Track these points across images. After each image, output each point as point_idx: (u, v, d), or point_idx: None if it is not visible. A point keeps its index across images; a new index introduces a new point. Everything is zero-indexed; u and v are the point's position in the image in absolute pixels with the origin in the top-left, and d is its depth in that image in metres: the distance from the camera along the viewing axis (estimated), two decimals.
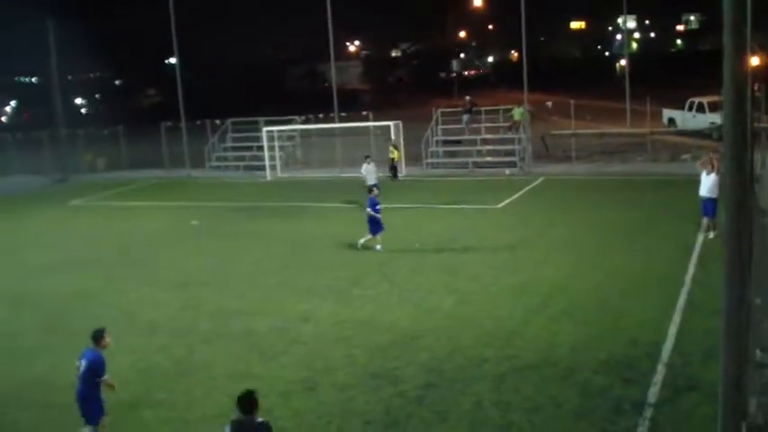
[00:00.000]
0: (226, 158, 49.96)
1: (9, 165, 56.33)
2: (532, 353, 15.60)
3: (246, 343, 17.24)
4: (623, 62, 69.16)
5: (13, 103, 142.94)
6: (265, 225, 31.09)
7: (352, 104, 63.28)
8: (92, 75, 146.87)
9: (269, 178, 43.72)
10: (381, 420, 12.98)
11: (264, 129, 45.58)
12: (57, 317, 20.44)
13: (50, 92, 59.31)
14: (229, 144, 50.92)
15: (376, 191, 25.69)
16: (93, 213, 37.94)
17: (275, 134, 45.46)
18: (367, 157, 34.50)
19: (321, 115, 49.85)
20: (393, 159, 40.28)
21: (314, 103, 57.95)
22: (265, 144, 45.01)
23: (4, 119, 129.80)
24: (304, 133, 47.97)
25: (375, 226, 24.80)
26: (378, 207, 24.83)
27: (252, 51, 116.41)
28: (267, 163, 44.51)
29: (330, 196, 35.74)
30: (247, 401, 9.49)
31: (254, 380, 15.00)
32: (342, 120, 47.10)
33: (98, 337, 12.24)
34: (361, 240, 25.07)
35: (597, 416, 12.75)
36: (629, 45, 59.29)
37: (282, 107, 54.71)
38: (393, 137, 41.24)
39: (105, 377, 12.12)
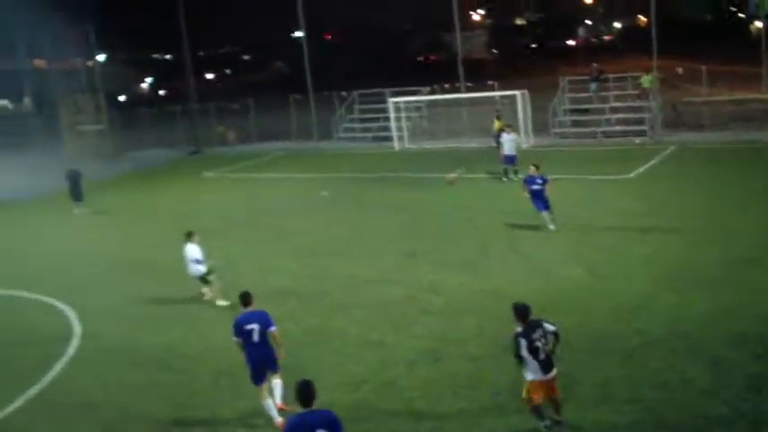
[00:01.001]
0: (353, 130, 50.46)
1: (145, 138, 58.58)
2: (661, 326, 15.39)
3: (379, 312, 17.57)
4: (759, 24, 66.38)
5: (149, 79, 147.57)
6: (394, 195, 31.38)
7: (478, 73, 62.80)
8: (221, 50, 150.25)
9: (397, 149, 44.01)
10: (509, 391, 13.04)
11: (391, 100, 45.84)
12: (189, 287, 21.13)
13: (183, 68, 61.18)
14: (356, 116, 51.36)
15: (532, 168, 23.74)
16: (225, 185, 39.10)
17: (401, 105, 45.67)
18: (508, 126, 34.07)
19: (447, 85, 49.73)
20: (498, 130, 39.77)
21: (440, 72, 57.84)
22: (392, 115, 45.30)
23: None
24: (431, 103, 47.97)
25: (537, 203, 23.42)
26: (533, 187, 23.27)
27: (377, 22, 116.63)
28: (395, 134, 44.82)
29: (457, 166, 35.73)
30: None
31: (384, 349, 15.39)
32: (468, 90, 46.91)
33: (249, 298, 13.36)
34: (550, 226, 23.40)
35: (729, 393, 12.49)
36: (765, 4, 56.61)
37: (408, 77, 54.85)
38: (498, 108, 40.90)
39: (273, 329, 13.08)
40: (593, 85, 44.33)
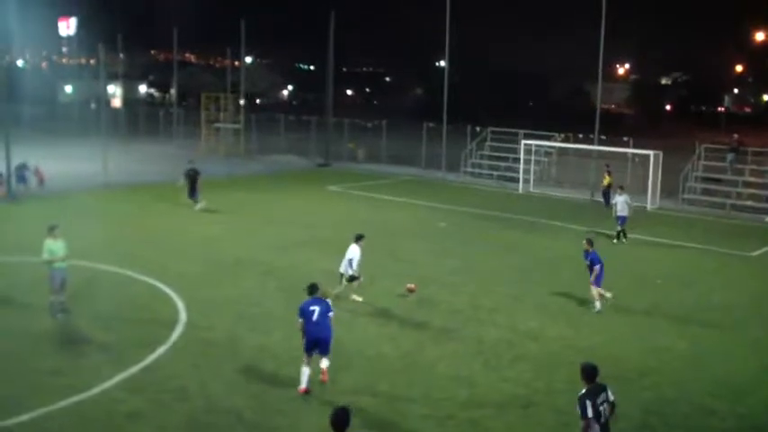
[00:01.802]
0: (480, 165, 50.60)
1: (279, 143, 60.24)
2: (765, 414, 14.97)
3: (473, 349, 17.66)
4: None
5: (290, 87, 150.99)
6: (510, 236, 31.40)
7: (614, 127, 62.17)
8: (364, 68, 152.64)
9: (521, 191, 43.95)
10: None
11: (523, 141, 45.88)
12: (296, 292, 21.60)
13: (324, 81, 62.59)
14: (486, 152, 51.49)
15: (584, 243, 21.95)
16: (348, 200, 39.81)
17: (533, 148, 45.64)
18: (621, 187, 32.91)
19: (581, 135, 49.41)
20: (607, 186, 39.28)
21: (576, 120, 57.51)
22: (521, 157, 45.32)
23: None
24: (561, 151, 47.75)
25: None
26: (596, 266, 21.27)
27: (522, 62, 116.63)
28: (521, 176, 44.80)
29: (577, 218, 35.49)
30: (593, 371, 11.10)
31: (474, 387, 15.45)
32: (601, 142, 46.48)
33: (316, 288, 15.68)
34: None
35: None
36: None
37: (544, 121, 54.76)
38: (608, 163, 40.59)
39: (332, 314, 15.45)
40: (730, 156, 43.23)
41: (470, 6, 57.61)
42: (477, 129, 52.37)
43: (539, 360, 17.24)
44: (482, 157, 51.43)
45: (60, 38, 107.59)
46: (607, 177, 39.56)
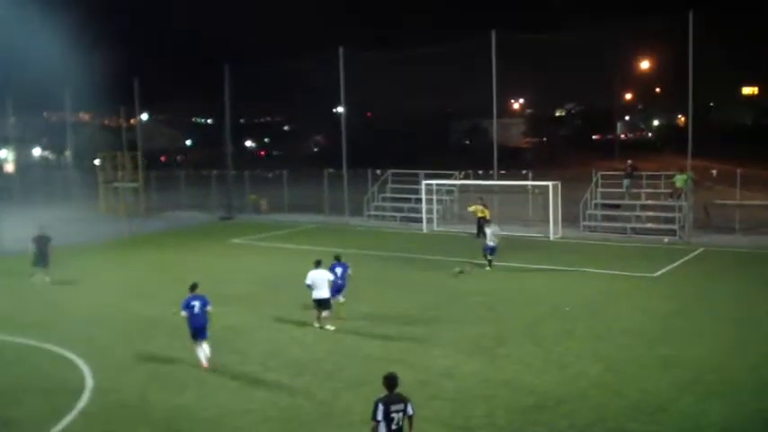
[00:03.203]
0: (384, 208, 50.72)
1: (180, 199, 59.43)
2: (677, 430, 15.13)
3: None
4: None
5: (188, 141, 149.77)
6: (416, 276, 31.40)
7: (512, 162, 63.23)
8: (262, 119, 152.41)
9: (425, 231, 44.11)
10: None
11: (424, 182, 46.18)
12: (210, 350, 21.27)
13: (222, 133, 62.19)
14: (389, 194, 51.67)
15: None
16: (252, 252, 39.31)
17: (434, 187, 45.96)
18: (488, 220, 35.32)
19: (481, 171, 50.02)
20: (481, 218, 40.19)
21: (476, 158, 58.23)
22: (423, 197, 45.58)
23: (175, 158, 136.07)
24: (463, 188, 48.20)
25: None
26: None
27: (417, 104, 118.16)
28: (424, 216, 45.02)
29: (478, 252, 35.67)
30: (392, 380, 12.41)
31: None
32: (501, 177, 47.11)
33: (196, 286, 20.41)
34: None
35: None
36: None
37: (443, 160, 55.32)
38: (482, 196, 41.96)
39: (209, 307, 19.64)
40: (626, 182, 44.31)
41: (366, 51, 57.99)
42: (378, 172, 52.58)
43: (455, 397, 17.12)
44: (385, 199, 51.57)
45: None
46: (481, 209, 40.44)
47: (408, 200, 49.31)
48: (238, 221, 52.89)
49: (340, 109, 53.29)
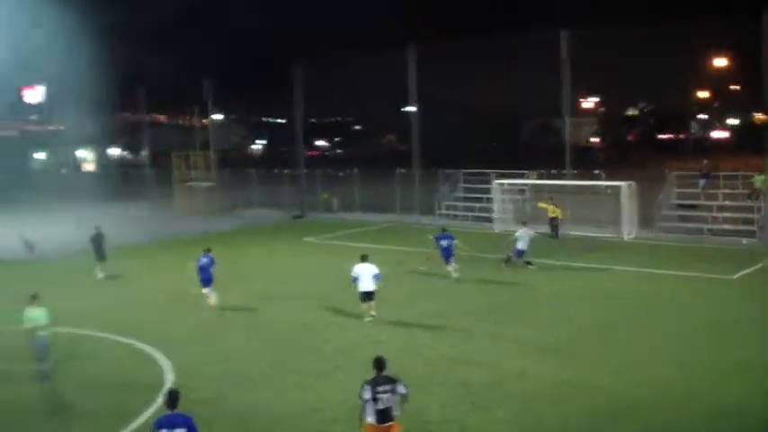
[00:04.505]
0: (455, 207, 50.65)
1: (253, 198, 60.23)
2: None
3: (462, 392, 17.47)
4: None
5: (260, 141, 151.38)
6: (489, 276, 31.29)
7: (584, 161, 62.55)
8: (333, 119, 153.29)
9: (496, 230, 43.91)
10: None
11: (495, 182, 46.03)
12: (281, 348, 21.68)
13: (294, 133, 62.79)
14: (460, 194, 51.62)
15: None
16: (324, 251, 39.63)
17: (506, 187, 45.77)
18: (523, 222, 34.75)
19: (553, 171, 49.63)
20: (553, 218, 40.66)
21: (546, 157, 57.81)
22: (495, 196, 45.43)
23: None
24: (535, 187, 47.86)
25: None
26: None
27: (489, 103, 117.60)
28: (496, 215, 44.87)
29: (550, 252, 35.42)
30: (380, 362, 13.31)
31: (466, 430, 15.24)
32: (574, 177, 46.68)
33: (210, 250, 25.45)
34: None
35: None
36: None
37: (515, 160, 55.02)
38: (552, 196, 42.23)
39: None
40: (702, 182, 43.53)
41: (436, 50, 57.99)
42: (450, 171, 52.56)
43: (529, 398, 17.04)
44: (457, 199, 51.54)
45: (30, 106, 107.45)
46: (553, 209, 40.59)
47: (480, 199, 49.18)
48: (310, 220, 53.39)
49: (411, 108, 53.34)
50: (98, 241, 33.83)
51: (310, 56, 66.71)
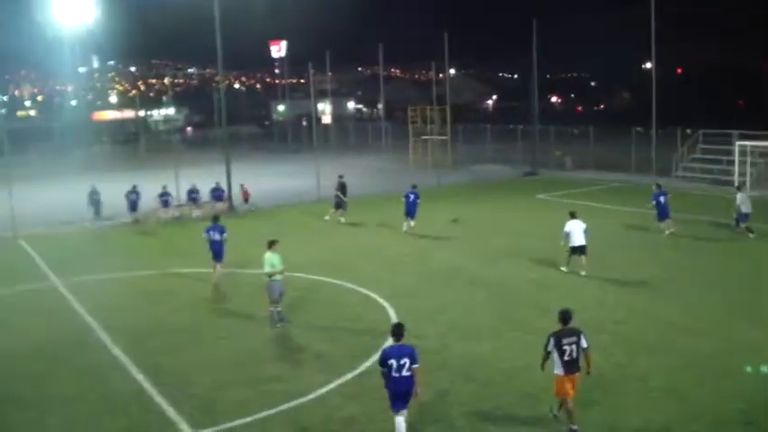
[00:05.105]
0: (693, 169, 48.82)
1: (486, 154, 60.67)
2: None
3: (688, 363, 17.08)
4: None
5: (494, 96, 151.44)
6: (728, 242, 30.00)
7: None
8: (569, 74, 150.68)
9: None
10: None
11: (737, 143, 43.87)
12: (507, 303, 21.98)
13: (529, 89, 62.38)
14: (698, 155, 49.66)
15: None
16: (556, 208, 39.23)
17: (748, 149, 43.48)
18: (737, 187, 33.52)
19: None
20: None
21: None
22: (737, 159, 43.33)
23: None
24: None
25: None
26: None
27: (731, 59, 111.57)
28: (737, 179, 42.77)
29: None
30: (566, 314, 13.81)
31: (688, 402, 14.96)
32: None
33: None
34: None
35: None
36: None
37: (760, 120, 52.20)
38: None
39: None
40: None
41: (675, 3, 55.77)
42: (689, 131, 50.62)
43: (759, 375, 16.38)
44: (695, 160, 49.62)
45: (272, 60, 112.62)
46: None
47: (720, 161, 47.09)
48: (542, 177, 53.09)
49: (648, 65, 51.62)
50: (342, 190, 36.64)
51: (549, 11, 65.67)
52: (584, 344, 13.71)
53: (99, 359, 18.60)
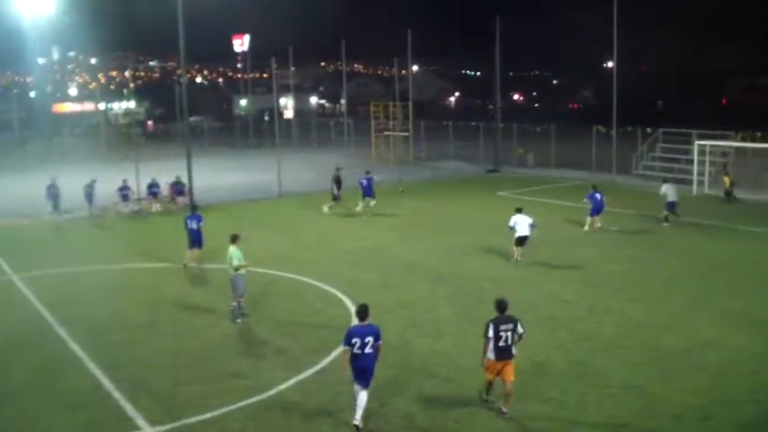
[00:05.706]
0: (652, 168, 49.21)
1: (448, 151, 60.78)
2: None
3: (648, 358, 17.21)
4: None
5: (457, 93, 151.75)
6: (682, 240, 30.36)
7: None
8: (531, 72, 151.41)
9: (694, 193, 42.37)
10: None
11: (696, 142, 44.30)
12: (468, 299, 21.99)
13: (491, 86, 62.61)
14: (658, 154, 50.10)
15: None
16: (517, 206, 39.38)
17: (707, 149, 43.91)
18: (664, 180, 35.76)
19: (759, 134, 47.17)
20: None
21: (754, 119, 55.08)
22: (695, 158, 43.75)
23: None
24: (739, 151, 45.67)
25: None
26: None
27: (690, 60, 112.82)
28: (695, 177, 43.22)
29: (753, 221, 33.83)
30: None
31: (648, 397, 15.07)
32: None
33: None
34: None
35: None
36: None
37: (718, 120, 52.74)
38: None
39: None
40: None
41: (638, 6, 56.17)
42: (648, 130, 51.05)
43: (718, 369, 16.52)
44: (654, 158, 50.04)
45: (235, 54, 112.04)
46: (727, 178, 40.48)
47: (678, 160, 47.56)
48: (505, 174, 53.26)
49: (610, 63, 51.96)
50: (338, 181, 37.54)
51: (512, 9, 65.70)
52: (519, 330, 14.41)
53: (56, 354, 18.33)
